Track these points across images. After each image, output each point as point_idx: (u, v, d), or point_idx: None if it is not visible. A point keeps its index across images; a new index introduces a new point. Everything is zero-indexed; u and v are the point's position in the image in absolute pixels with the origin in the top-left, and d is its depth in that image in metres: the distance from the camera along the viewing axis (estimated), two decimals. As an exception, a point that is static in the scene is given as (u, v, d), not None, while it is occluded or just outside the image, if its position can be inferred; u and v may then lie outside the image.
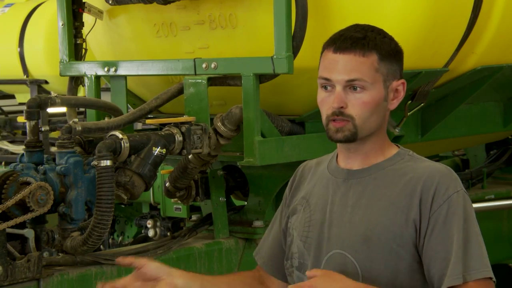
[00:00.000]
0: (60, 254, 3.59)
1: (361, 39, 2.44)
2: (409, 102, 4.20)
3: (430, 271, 2.39)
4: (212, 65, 3.83)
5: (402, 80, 2.51)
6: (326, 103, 2.47)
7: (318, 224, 2.53)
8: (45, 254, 3.57)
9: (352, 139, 2.46)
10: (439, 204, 2.39)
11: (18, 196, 3.31)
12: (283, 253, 2.66)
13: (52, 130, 6.10)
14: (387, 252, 2.40)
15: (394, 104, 2.52)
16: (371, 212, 2.45)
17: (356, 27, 2.49)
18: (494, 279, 2.41)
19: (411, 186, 2.43)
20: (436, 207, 2.39)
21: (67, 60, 4.37)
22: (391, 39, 2.51)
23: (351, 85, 2.43)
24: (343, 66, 2.43)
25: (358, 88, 2.43)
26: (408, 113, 4.21)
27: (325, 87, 2.47)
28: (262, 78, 3.74)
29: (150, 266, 2.57)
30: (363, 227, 2.44)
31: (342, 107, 2.43)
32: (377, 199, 2.45)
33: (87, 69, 4.31)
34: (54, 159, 3.58)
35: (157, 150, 3.58)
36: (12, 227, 3.33)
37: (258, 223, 4.04)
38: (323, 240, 2.51)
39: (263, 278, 2.73)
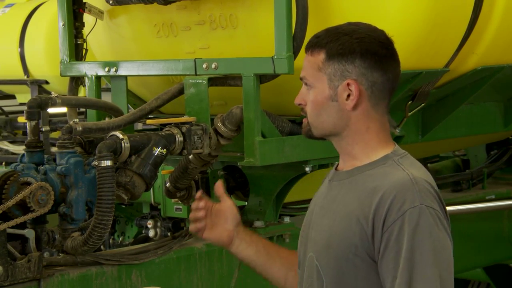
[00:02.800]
0: (60, 254, 3.59)
1: (315, 38, 2.46)
2: (410, 102, 4.20)
3: None
4: (213, 65, 3.83)
5: (348, 80, 2.41)
6: None
7: (307, 225, 2.54)
8: (46, 254, 3.57)
9: (308, 135, 2.50)
10: (393, 220, 2.29)
11: (19, 196, 3.31)
12: None
13: (52, 130, 6.11)
14: (344, 260, 2.35)
15: (349, 105, 2.43)
16: (335, 218, 2.40)
17: (333, 27, 2.48)
18: None
19: (373, 196, 2.34)
20: (389, 223, 2.29)
21: (68, 60, 4.37)
22: (362, 38, 2.40)
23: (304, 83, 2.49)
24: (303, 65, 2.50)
25: (308, 86, 2.47)
26: (409, 114, 4.21)
27: None
28: (262, 78, 3.74)
29: (228, 211, 2.76)
30: (327, 232, 2.41)
31: (300, 104, 2.50)
32: (344, 205, 2.40)
33: (88, 69, 4.31)
34: (54, 159, 3.58)
35: (157, 150, 3.58)
36: (12, 227, 3.33)
37: (258, 223, 4.04)
38: (307, 242, 2.51)
39: None
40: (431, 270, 2.26)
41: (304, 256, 2.51)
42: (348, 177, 2.45)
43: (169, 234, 5.64)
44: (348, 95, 2.42)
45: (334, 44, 2.41)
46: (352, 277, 2.35)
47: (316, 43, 2.44)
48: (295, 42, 3.62)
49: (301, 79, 2.48)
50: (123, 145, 3.51)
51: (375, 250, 2.31)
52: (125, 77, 4.22)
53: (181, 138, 3.65)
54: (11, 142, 8.39)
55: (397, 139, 4.07)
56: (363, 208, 2.34)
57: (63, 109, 5.72)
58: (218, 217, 2.78)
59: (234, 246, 2.77)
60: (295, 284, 2.67)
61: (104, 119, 4.13)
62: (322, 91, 2.44)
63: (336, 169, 2.55)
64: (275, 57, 3.63)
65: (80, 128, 3.57)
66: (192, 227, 2.78)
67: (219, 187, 2.79)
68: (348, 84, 2.42)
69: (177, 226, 5.86)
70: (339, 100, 2.43)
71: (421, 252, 2.26)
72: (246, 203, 4.17)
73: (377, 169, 2.41)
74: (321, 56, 2.42)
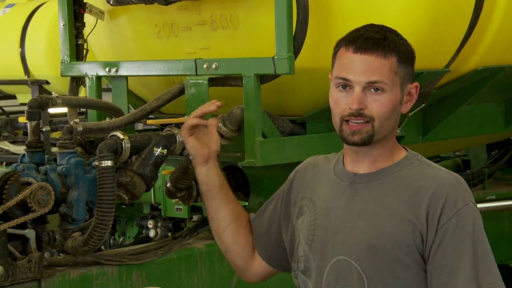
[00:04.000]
0: (61, 254, 3.60)
1: (382, 40, 2.40)
2: (410, 102, 4.19)
3: (432, 284, 2.36)
4: (213, 66, 3.82)
5: (416, 83, 2.49)
6: (342, 104, 2.42)
7: (323, 228, 2.50)
8: (46, 254, 3.58)
9: (368, 141, 2.42)
10: (448, 217, 2.35)
11: (19, 197, 3.31)
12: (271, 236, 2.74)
13: (53, 130, 6.10)
14: (393, 261, 2.38)
15: (406, 107, 2.49)
16: (377, 219, 2.41)
17: (374, 27, 2.44)
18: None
19: (420, 196, 2.39)
20: (444, 220, 2.35)
21: (68, 61, 4.37)
22: (406, 41, 2.47)
23: (371, 87, 2.39)
24: (364, 67, 2.39)
25: (378, 90, 2.39)
26: (409, 114, 4.20)
27: (342, 87, 2.42)
28: (263, 78, 3.73)
29: (215, 137, 2.79)
30: (369, 234, 2.41)
31: (361, 109, 2.40)
32: (383, 206, 2.42)
33: (88, 69, 4.31)
34: (55, 160, 3.58)
35: (158, 151, 3.58)
36: (13, 227, 3.33)
37: (259, 224, 4.03)
38: (328, 245, 2.48)
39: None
40: (491, 261, 2.36)
41: (322, 261, 2.48)
42: (375, 179, 2.46)
43: (169, 234, 5.65)
44: (407, 98, 2.47)
45: (402, 48, 2.43)
46: (401, 277, 2.38)
47: (387, 46, 2.40)
48: (295, 42, 3.62)
49: (373, 82, 2.39)
50: (123, 145, 3.51)
51: (427, 248, 2.36)
52: (126, 77, 4.22)
53: (181, 139, 3.65)
54: (11, 142, 8.41)
55: (397, 140, 4.05)
56: (411, 208, 2.38)
57: (64, 109, 5.72)
58: (206, 135, 2.83)
59: (207, 167, 2.81)
60: (230, 236, 2.79)
61: (105, 119, 4.13)
62: (396, 94, 2.43)
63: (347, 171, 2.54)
64: (276, 57, 3.62)
65: (81, 128, 3.57)
66: (186, 129, 2.79)
67: (213, 122, 2.86)
68: (413, 88, 2.48)
69: (177, 226, 5.87)
70: (402, 103, 2.47)
71: (482, 246, 2.36)
72: (247, 203, 4.17)
73: (408, 169, 2.46)
74: (393, 59, 2.40)
